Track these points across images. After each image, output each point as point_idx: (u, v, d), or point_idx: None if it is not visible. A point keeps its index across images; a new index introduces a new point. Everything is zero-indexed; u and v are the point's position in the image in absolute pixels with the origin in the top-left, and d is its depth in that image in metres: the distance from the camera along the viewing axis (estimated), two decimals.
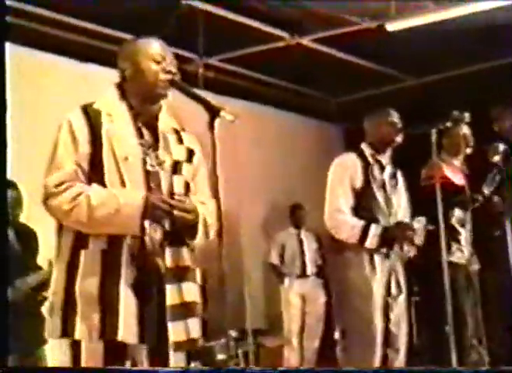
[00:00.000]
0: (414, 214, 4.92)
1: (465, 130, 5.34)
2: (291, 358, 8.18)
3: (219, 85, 8.13)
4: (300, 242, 8.33)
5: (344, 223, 4.66)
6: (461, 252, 5.21)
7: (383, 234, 4.62)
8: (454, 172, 5.20)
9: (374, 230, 4.62)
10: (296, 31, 7.69)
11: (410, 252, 4.81)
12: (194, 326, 3.15)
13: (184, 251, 3.15)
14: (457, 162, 5.36)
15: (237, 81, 8.63)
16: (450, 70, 8.60)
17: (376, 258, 4.67)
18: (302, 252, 8.26)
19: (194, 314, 3.15)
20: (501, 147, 5.31)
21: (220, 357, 6.40)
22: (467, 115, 5.13)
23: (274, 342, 7.99)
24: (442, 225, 4.49)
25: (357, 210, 4.70)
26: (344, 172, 4.76)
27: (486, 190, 5.19)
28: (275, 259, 8.30)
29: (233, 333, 6.76)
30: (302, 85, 9.29)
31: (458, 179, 5.24)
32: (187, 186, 3.19)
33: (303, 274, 8.21)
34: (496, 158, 5.25)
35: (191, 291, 3.15)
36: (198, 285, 3.23)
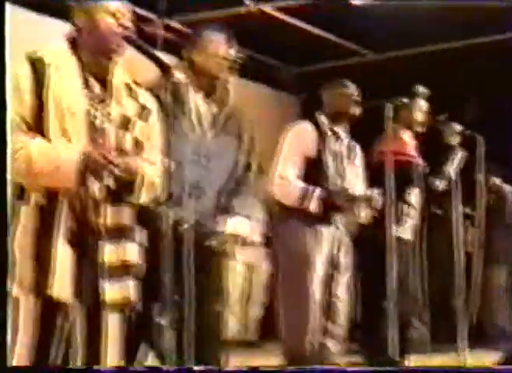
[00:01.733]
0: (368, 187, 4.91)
1: (422, 105, 5.35)
2: (232, 324, 8.13)
3: (178, 47, 7.98)
4: None
5: (289, 189, 4.63)
6: (411, 228, 5.23)
7: (325, 198, 4.57)
8: (407, 148, 5.20)
9: (319, 192, 4.58)
10: None
11: (362, 218, 4.76)
12: (131, 287, 3.10)
13: (125, 210, 3.08)
14: (410, 136, 5.36)
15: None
16: (411, 47, 8.63)
17: (322, 228, 4.64)
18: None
19: (131, 274, 3.10)
20: (457, 127, 5.30)
21: (158, 320, 6.31)
22: (425, 91, 5.19)
23: (216, 308, 7.90)
24: (392, 200, 4.50)
25: (306, 179, 4.65)
26: (297, 140, 4.73)
27: (452, 173, 5.18)
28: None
29: (175, 297, 6.66)
30: (261, 53, 9.19)
31: (413, 155, 5.22)
32: (137, 144, 3.12)
33: (250, 243, 8.15)
34: (452, 140, 5.24)
35: (130, 251, 3.09)
36: (138, 245, 3.17)
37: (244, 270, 8.24)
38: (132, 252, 3.11)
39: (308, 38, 8.38)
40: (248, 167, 3.97)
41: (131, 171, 2.97)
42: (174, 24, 7.99)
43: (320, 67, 8.97)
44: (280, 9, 7.83)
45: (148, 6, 7.38)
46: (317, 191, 4.57)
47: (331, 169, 4.71)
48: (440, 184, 5.18)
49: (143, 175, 3.03)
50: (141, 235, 3.28)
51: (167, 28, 8.01)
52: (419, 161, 5.27)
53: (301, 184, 4.61)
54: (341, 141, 4.80)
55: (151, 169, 3.11)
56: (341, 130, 4.82)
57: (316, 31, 8.37)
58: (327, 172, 4.69)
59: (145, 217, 3.27)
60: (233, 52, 3.72)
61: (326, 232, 4.65)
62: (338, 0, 7.43)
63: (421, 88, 5.22)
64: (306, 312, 4.57)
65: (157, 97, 3.32)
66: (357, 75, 5.04)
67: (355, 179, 4.84)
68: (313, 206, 4.56)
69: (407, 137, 5.32)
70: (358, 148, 4.91)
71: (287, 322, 4.68)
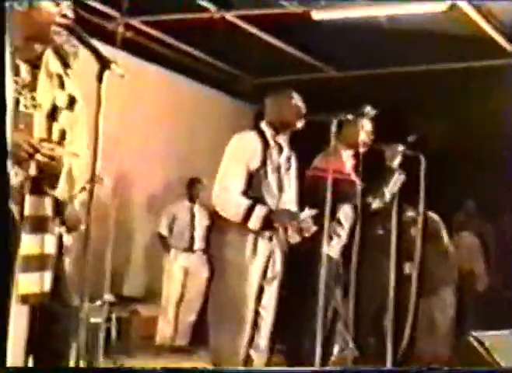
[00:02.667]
0: (300, 201, 4.87)
1: (367, 125, 5.30)
2: (165, 329, 8.11)
3: (137, 47, 8.01)
4: (192, 216, 8.25)
5: (230, 201, 4.55)
6: (340, 246, 5.21)
7: (267, 216, 4.52)
8: (345, 166, 5.18)
9: (258, 211, 4.51)
10: (222, 5, 7.61)
11: (293, 238, 4.72)
12: (46, 280, 3.04)
13: (46, 201, 3.03)
14: (351, 155, 5.32)
15: (156, 46, 8.50)
16: (370, 67, 8.74)
17: (260, 241, 4.60)
18: (192, 227, 8.19)
19: (47, 267, 3.04)
20: (400, 148, 5.31)
21: (93, 319, 6.27)
22: (371, 110, 5.20)
23: (150, 311, 7.90)
24: (327, 217, 4.47)
25: (247, 191, 4.59)
26: (241, 150, 4.63)
27: (388, 194, 5.19)
28: (164, 229, 8.20)
29: (109, 297, 6.63)
30: (221, 61, 9.23)
31: (349, 174, 5.22)
32: (63, 133, 3.08)
33: (189, 248, 8.14)
34: (394, 161, 5.25)
35: (48, 243, 3.03)
36: (57, 238, 3.12)
37: (181, 275, 8.19)
38: (50, 244, 3.05)
39: (269, 49, 8.41)
40: None
41: (54, 160, 2.93)
42: (136, 23, 7.97)
43: (278, 79, 8.97)
44: (242, 18, 7.81)
45: (112, 4, 7.39)
46: (259, 210, 4.52)
47: (270, 181, 4.66)
48: (374, 203, 5.16)
49: (68, 166, 3.00)
50: (62, 227, 3.18)
51: (128, 27, 7.99)
52: (355, 180, 5.23)
53: (243, 200, 4.53)
54: (282, 153, 4.77)
55: (74, 160, 3.07)
56: (283, 141, 4.78)
57: (278, 43, 8.40)
58: (268, 183, 4.64)
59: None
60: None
61: (262, 245, 4.60)
62: (300, 13, 7.37)
63: (367, 108, 5.18)
64: (237, 321, 4.53)
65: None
66: (313, 90, 5.03)
67: (289, 191, 4.80)
68: (253, 224, 4.53)
69: (346, 155, 5.27)
70: (294, 158, 4.86)
71: (218, 330, 4.62)
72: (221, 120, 9.13)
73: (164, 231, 8.18)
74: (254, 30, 8.04)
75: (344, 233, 5.20)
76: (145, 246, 8.30)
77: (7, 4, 3.01)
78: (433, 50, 7.93)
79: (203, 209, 8.24)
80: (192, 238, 8.17)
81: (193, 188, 8.27)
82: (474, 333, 3.72)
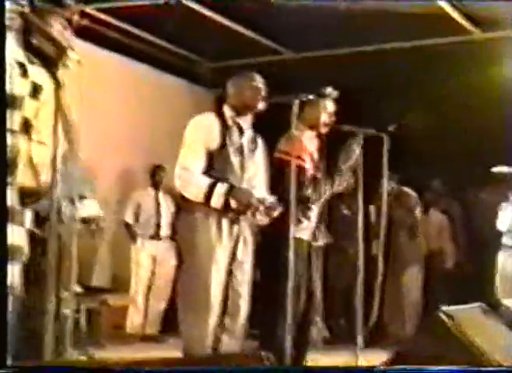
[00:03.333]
0: (270, 183, 4.89)
1: (329, 106, 5.29)
2: (134, 318, 8.09)
3: (93, 34, 7.82)
4: (157, 203, 8.25)
5: (191, 181, 4.53)
6: (310, 229, 5.19)
7: (229, 194, 4.52)
8: (306, 151, 5.17)
9: (219, 188, 4.51)
10: None
11: (261, 220, 4.72)
12: (15, 272, 3.01)
13: (10, 192, 2.99)
14: (315, 135, 5.32)
15: (112, 34, 8.43)
16: (329, 48, 8.70)
17: (224, 222, 4.58)
18: (158, 214, 8.19)
19: (17, 259, 3.01)
20: (361, 128, 5.31)
21: (62, 311, 6.21)
22: (334, 92, 5.21)
23: (119, 301, 7.86)
24: (293, 202, 4.47)
25: (209, 172, 4.58)
26: (199, 131, 4.63)
27: (343, 166, 5.19)
28: (129, 217, 8.18)
29: (77, 288, 6.57)
30: (178, 46, 9.16)
31: (311, 157, 5.22)
32: (26, 123, 3.04)
33: (156, 236, 8.14)
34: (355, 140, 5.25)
35: (16, 235, 3.00)
36: (26, 230, 3.08)
37: (149, 263, 8.16)
38: (19, 236, 3.01)
39: (226, 33, 8.35)
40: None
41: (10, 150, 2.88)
42: (91, 11, 7.81)
43: (237, 63, 8.93)
44: (199, 2, 7.76)
45: None
46: (220, 187, 4.53)
47: (233, 162, 4.65)
48: (335, 184, 5.18)
49: (27, 154, 2.95)
50: (29, 218, 3.16)
51: (83, 14, 7.87)
52: (317, 163, 5.24)
53: (205, 179, 4.54)
54: (244, 134, 4.75)
55: (39, 148, 3.01)
56: (244, 123, 4.76)
57: (235, 27, 8.34)
58: (230, 164, 4.64)
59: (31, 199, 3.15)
60: None
61: (228, 227, 4.61)
62: None
63: (329, 89, 5.19)
64: (205, 307, 4.50)
65: (54, 76, 3.21)
66: (272, 73, 4.98)
67: (255, 173, 4.80)
68: (216, 202, 4.52)
69: (308, 136, 5.26)
70: (260, 141, 4.86)
71: (187, 317, 4.59)
72: (181, 106, 9.04)
73: (130, 220, 8.16)
74: (210, 14, 7.97)
75: (313, 215, 5.19)
76: (111, 235, 8.24)
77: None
78: (392, 29, 7.93)
79: (168, 196, 8.21)
80: (158, 225, 8.16)
81: (156, 175, 8.26)
82: (442, 308, 3.74)
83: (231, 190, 4.55)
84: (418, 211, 8.29)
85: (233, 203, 4.55)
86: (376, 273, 5.55)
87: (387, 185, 5.47)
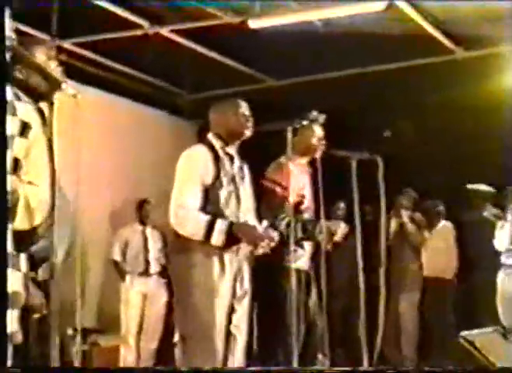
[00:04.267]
0: (257, 211, 4.86)
1: (318, 131, 5.30)
2: (127, 358, 7.95)
3: (71, 69, 7.76)
4: (145, 239, 8.15)
5: (188, 219, 4.45)
6: (304, 258, 5.19)
7: (229, 230, 4.44)
8: (291, 181, 5.10)
9: (219, 225, 4.42)
10: (155, 21, 7.52)
11: (258, 250, 4.66)
12: (13, 319, 2.90)
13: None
14: (304, 162, 5.33)
15: (90, 68, 8.39)
16: (311, 73, 8.70)
17: (226, 257, 4.52)
18: (146, 250, 8.08)
19: (17, 305, 2.92)
20: (355, 153, 5.23)
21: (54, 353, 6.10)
22: (322, 116, 5.21)
23: (110, 341, 7.74)
24: (290, 230, 4.53)
25: (205, 206, 4.51)
26: (193, 165, 4.55)
27: None
28: (117, 255, 8.07)
29: (68, 331, 6.49)
30: (158, 78, 9.15)
31: (302, 186, 5.23)
32: (16, 162, 2.95)
33: (145, 273, 8.02)
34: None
35: (13, 281, 2.87)
36: (22, 274, 2.99)
37: (139, 301, 8.04)
38: (15, 281, 2.90)
39: (205, 63, 8.34)
40: None
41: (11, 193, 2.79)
42: (68, 45, 7.85)
43: (217, 93, 8.87)
44: (177, 32, 7.73)
45: (41, 27, 7.19)
46: (220, 224, 4.44)
47: (228, 193, 4.58)
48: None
49: (24, 197, 2.88)
50: (24, 262, 3.04)
51: (60, 49, 7.80)
52: (311, 187, 5.24)
53: (203, 215, 4.45)
54: (234, 163, 4.70)
55: (30, 190, 2.94)
56: (233, 152, 4.71)
57: (214, 56, 8.33)
58: (225, 195, 4.57)
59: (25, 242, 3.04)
60: None
61: (229, 262, 4.53)
62: (236, 23, 7.31)
63: (314, 114, 5.16)
64: (209, 344, 4.41)
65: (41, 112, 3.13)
66: (254, 101, 4.87)
67: (247, 202, 4.73)
68: (217, 240, 4.44)
69: (299, 165, 5.26)
70: (246, 168, 4.80)
71: (189, 354, 4.47)
72: (163, 139, 9.03)
73: (117, 257, 8.06)
74: (189, 44, 7.96)
75: (307, 244, 5.17)
76: (99, 274, 8.12)
77: None
78: (372, 50, 7.94)
79: (155, 231, 8.14)
80: (147, 261, 8.06)
81: (142, 210, 8.19)
82: (462, 333, 3.66)
83: (232, 227, 4.47)
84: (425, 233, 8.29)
85: (235, 239, 4.48)
86: (378, 301, 5.51)
87: (385, 209, 5.36)
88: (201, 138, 4.79)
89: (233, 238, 4.47)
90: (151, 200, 7.96)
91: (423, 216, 8.40)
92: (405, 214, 8.30)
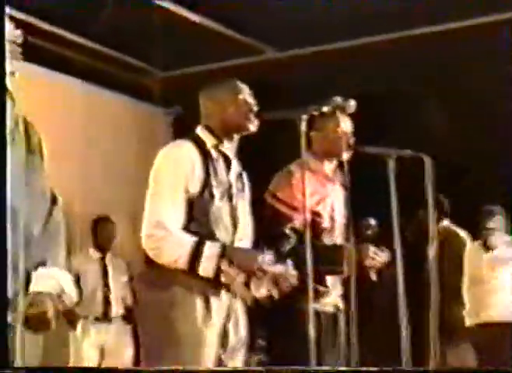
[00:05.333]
0: (256, 235, 4.82)
1: (346, 123, 5.22)
2: None
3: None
4: (104, 270, 8.16)
5: (167, 241, 4.39)
6: (328, 296, 5.18)
7: (221, 256, 4.38)
8: (317, 189, 5.13)
9: (209, 250, 4.38)
10: None
11: (259, 290, 4.60)
12: None
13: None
14: (330, 168, 5.26)
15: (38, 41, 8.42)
16: (327, 42, 8.77)
17: (213, 295, 4.46)
18: (105, 286, 8.10)
19: None
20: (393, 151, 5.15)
21: None
22: (350, 103, 5.01)
23: None
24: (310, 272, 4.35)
25: (190, 224, 4.45)
26: (174, 168, 4.48)
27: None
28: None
29: None
30: (118, 50, 9.25)
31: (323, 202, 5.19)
32: None
33: (104, 317, 8.03)
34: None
35: None
36: None
37: (95, 355, 8.06)
38: None
39: (183, 28, 8.44)
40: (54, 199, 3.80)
41: None
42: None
43: (200, 69, 9.02)
44: None
45: None
46: (209, 249, 4.39)
47: (222, 207, 4.54)
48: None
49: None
50: None
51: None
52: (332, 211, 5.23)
53: (187, 237, 4.41)
54: (231, 167, 4.65)
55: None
56: (230, 152, 4.65)
57: (195, 19, 8.44)
58: (218, 211, 4.52)
59: None
60: None
61: (218, 301, 4.49)
62: None
63: (339, 100, 4.90)
64: None
65: None
66: (251, 80, 4.83)
67: (245, 222, 4.71)
68: (205, 269, 4.39)
69: (323, 166, 5.22)
70: (245, 176, 4.79)
71: None
72: (125, 132, 9.10)
73: None
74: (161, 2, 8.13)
75: (330, 278, 5.17)
76: None
77: None
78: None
79: (118, 259, 8.17)
80: (107, 302, 8.06)
81: (100, 230, 8.13)
82: None
83: (225, 251, 4.42)
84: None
85: (230, 270, 4.43)
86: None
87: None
88: (182, 132, 4.77)
89: (226, 268, 4.42)
90: (111, 217, 7.91)
91: None
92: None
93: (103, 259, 8.16)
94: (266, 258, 4.51)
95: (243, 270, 4.45)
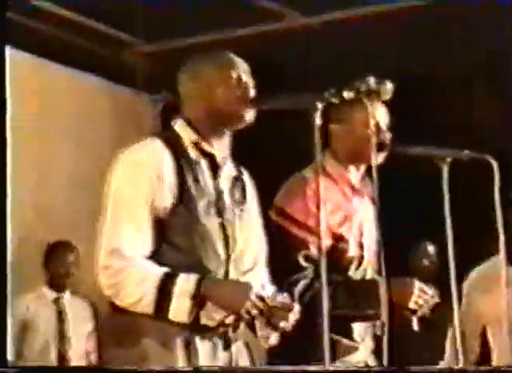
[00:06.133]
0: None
1: (379, 112, 5.08)
2: None
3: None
4: (60, 316, 8.13)
5: (128, 274, 4.28)
6: (355, 353, 5.15)
7: (196, 292, 4.27)
8: (339, 202, 5.13)
9: (182, 284, 4.26)
10: None
11: (270, 338, 4.49)
12: None
13: None
14: (356, 175, 5.16)
15: None
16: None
17: (200, 346, 4.37)
18: (61, 336, 8.08)
19: None
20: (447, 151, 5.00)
21: None
22: (386, 85, 4.81)
23: None
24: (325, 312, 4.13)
25: (160, 251, 4.34)
26: (135, 179, 4.39)
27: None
28: (9, 347, 7.73)
29: None
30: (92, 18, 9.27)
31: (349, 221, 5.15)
32: None
33: None
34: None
35: None
36: None
37: None
38: None
39: None
40: None
41: None
42: None
43: (191, 42, 9.10)
44: None
45: None
46: (183, 282, 4.27)
47: (207, 228, 4.41)
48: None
49: None
50: None
51: None
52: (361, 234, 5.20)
53: (155, 268, 4.29)
54: (220, 173, 4.55)
55: None
56: (219, 152, 4.53)
57: None
58: (204, 233, 4.40)
59: None
60: None
61: (211, 353, 4.42)
62: None
63: (372, 80, 4.74)
64: None
65: None
66: (256, 58, 4.73)
67: (247, 244, 4.59)
68: (178, 311, 4.26)
69: (348, 173, 5.15)
70: (248, 181, 4.73)
71: None
72: (99, 126, 9.25)
73: (11, 351, 7.80)
74: None
75: (355, 329, 5.13)
76: None
77: None
78: None
79: (79, 300, 8.25)
80: (62, 357, 7.99)
81: (57, 261, 8.03)
82: None
83: (201, 287, 4.30)
84: None
85: (213, 311, 4.35)
86: None
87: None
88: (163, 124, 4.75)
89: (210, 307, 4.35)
90: (72, 243, 7.95)
91: None
92: None
93: (58, 300, 8.11)
94: (271, 295, 4.38)
95: (229, 311, 4.37)
